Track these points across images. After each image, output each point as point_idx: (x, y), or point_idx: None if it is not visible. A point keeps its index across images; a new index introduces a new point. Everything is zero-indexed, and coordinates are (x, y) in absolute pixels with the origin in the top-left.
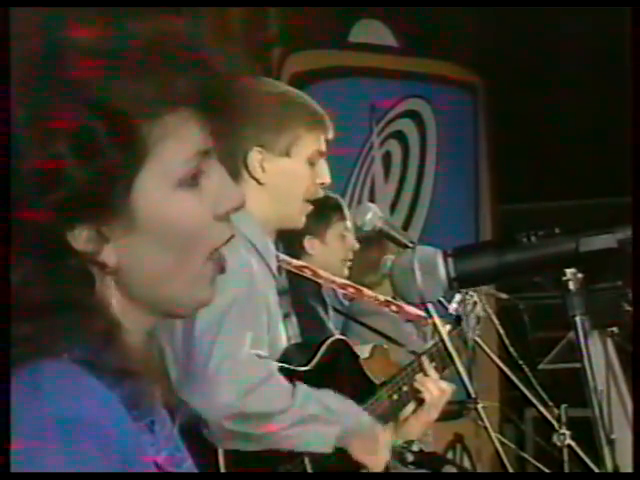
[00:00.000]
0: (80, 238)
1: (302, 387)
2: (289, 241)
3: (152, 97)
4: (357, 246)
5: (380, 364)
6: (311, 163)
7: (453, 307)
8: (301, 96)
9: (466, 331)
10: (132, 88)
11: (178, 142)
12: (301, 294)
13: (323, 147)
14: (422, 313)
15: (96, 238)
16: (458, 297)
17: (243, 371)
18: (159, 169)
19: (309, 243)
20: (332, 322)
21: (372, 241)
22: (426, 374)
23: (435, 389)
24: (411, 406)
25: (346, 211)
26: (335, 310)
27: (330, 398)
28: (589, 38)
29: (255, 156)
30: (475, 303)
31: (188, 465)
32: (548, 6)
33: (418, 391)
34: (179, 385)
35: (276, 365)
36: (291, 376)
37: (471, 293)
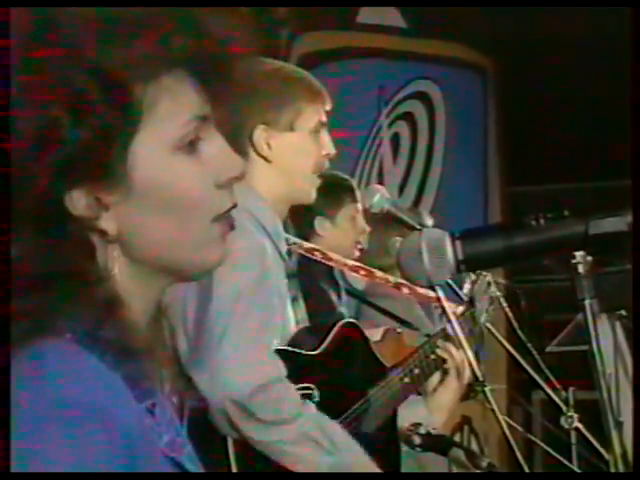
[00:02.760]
0: (79, 204)
1: (310, 406)
2: (300, 221)
3: (146, 57)
4: (368, 229)
5: (392, 347)
6: (315, 135)
7: (466, 288)
8: (298, 70)
9: (479, 312)
10: (126, 48)
11: (173, 104)
12: (313, 276)
13: (324, 118)
14: (433, 295)
15: (94, 205)
16: (471, 278)
17: (255, 364)
18: (155, 132)
19: (320, 224)
20: (344, 305)
21: (389, 224)
22: (449, 340)
23: (458, 354)
24: (437, 376)
25: (358, 194)
26: (348, 292)
27: (334, 429)
28: (597, 24)
29: (260, 133)
30: (489, 284)
31: (189, 449)
32: (551, 6)
33: (442, 359)
34: (188, 364)
35: (284, 371)
36: (301, 361)
37: (484, 274)
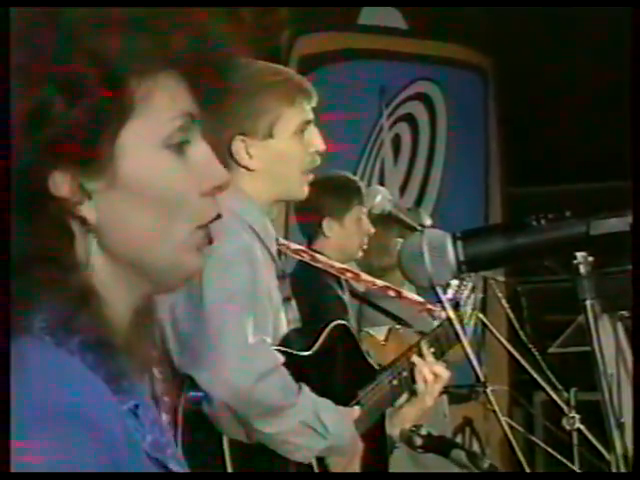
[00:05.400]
0: (61, 186)
1: (306, 390)
2: (307, 221)
3: (145, 52)
4: (372, 230)
5: (395, 347)
6: (299, 136)
7: (450, 293)
8: (276, 72)
9: (463, 317)
10: (126, 41)
11: (167, 101)
12: (316, 270)
13: (309, 116)
14: (420, 299)
15: (77, 190)
16: (455, 283)
17: (253, 356)
18: (145, 124)
19: (327, 225)
20: (348, 297)
21: (389, 224)
22: (423, 358)
23: (429, 374)
24: (406, 393)
25: (364, 195)
26: (349, 292)
27: (326, 412)
28: (597, 25)
29: (239, 144)
30: (472, 289)
31: (172, 450)
32: (552, 6)
33: (413, 377)
34: (184, 362)
35: (282, 358)
36: (292, 362)
37: (467, 280)
